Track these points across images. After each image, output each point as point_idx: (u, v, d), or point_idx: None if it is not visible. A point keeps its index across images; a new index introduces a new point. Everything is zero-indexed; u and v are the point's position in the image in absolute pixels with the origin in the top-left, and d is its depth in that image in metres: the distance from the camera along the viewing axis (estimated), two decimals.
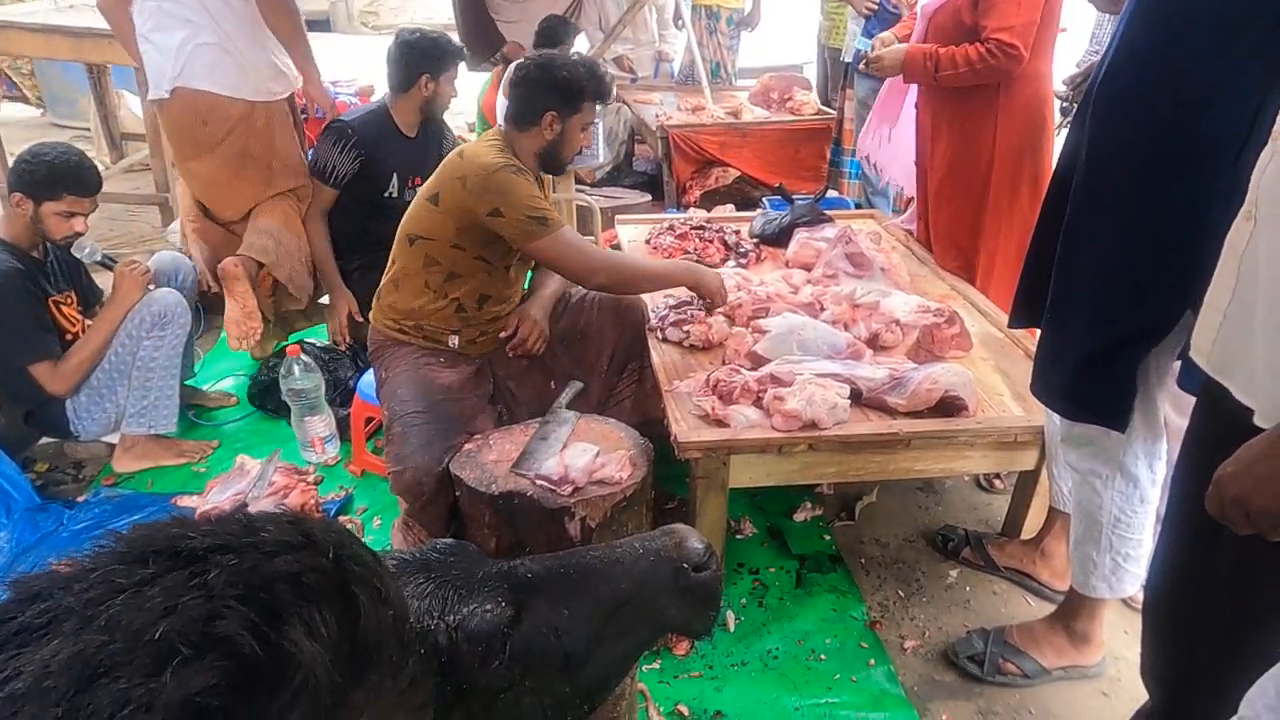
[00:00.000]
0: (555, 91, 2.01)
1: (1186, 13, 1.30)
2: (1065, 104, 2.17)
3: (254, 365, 3.02)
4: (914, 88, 2.77)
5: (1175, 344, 1.47)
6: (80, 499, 2.44)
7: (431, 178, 2.09)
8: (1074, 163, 1.56)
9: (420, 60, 2.77)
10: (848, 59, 4.12)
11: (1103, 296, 1.47)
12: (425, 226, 2.07)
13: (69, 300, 2.46)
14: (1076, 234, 1.51)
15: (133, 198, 4.27)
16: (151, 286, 2.48)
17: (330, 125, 2.82)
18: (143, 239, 4.04)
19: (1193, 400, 1.24)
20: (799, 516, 2.31)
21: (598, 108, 2.12)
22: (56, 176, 2.25)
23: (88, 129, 5.45)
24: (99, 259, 2.48)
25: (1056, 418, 1.69)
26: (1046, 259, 1.65)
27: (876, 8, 3.89)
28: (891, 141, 2.98)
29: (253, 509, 2.08)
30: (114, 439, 2.57)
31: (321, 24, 11.71)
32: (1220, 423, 1.08)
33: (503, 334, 2.19)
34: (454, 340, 2.14)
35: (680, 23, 5.54)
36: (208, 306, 3.17)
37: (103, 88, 4.70)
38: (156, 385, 2.46)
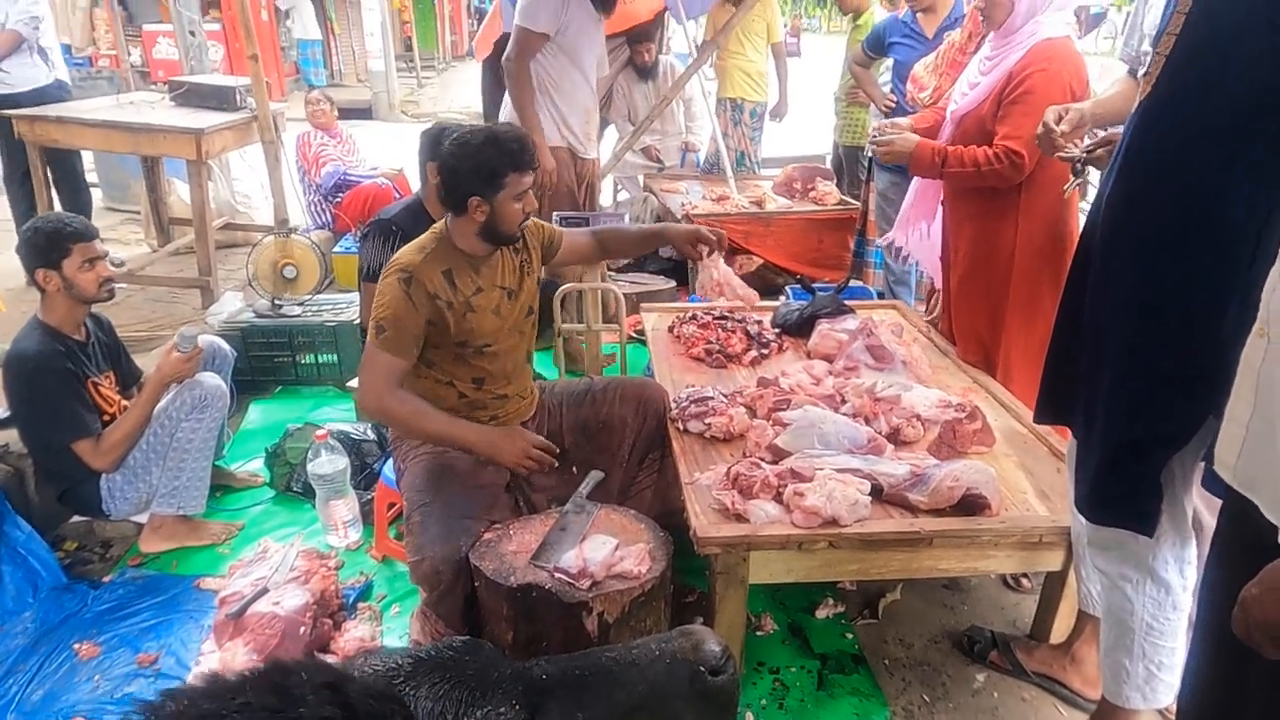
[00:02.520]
0: (472, 176, 2.01)
1: (1189, 127, 1.34)
2: (1077, 166, 2.24)
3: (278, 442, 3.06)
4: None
5: (1200, 446, 1.45)
6: (106, 579, 2.47)
7: None
8: (1088, 262, 1.58)
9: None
10: (870, 154, 4.23)
11: (1124, 400, 1.48)
12: None
13: (108, 381, 2.54)
14: (1095, 336, 1.53)
15: (176, 280, 4.44)
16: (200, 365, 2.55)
17: (373, 225, 2.82)
18: (184, 320, 4.17)
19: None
20: (821, 613, 2.27)
21: (528, 176, 2.05)
22: (55, 236, 2.34)
23: (138, 212, 5.71)
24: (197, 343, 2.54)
25: (1083, 519, 1.67)
26: (1065, 355, 1.66)
27: (894, 104, 4.03)
28: (930, 237, 3.03)
29: (273, 593, 2.10)
30: (143, 518, 2.61)
31: (364, 112, 12.26)
32: (1248, 533, 1.07)
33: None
34: None
35: (693, 127, 5.77)
36: (240, 387, 3.26)
37: (155, 175, 4.95)
38: (190, 467, 2.51)
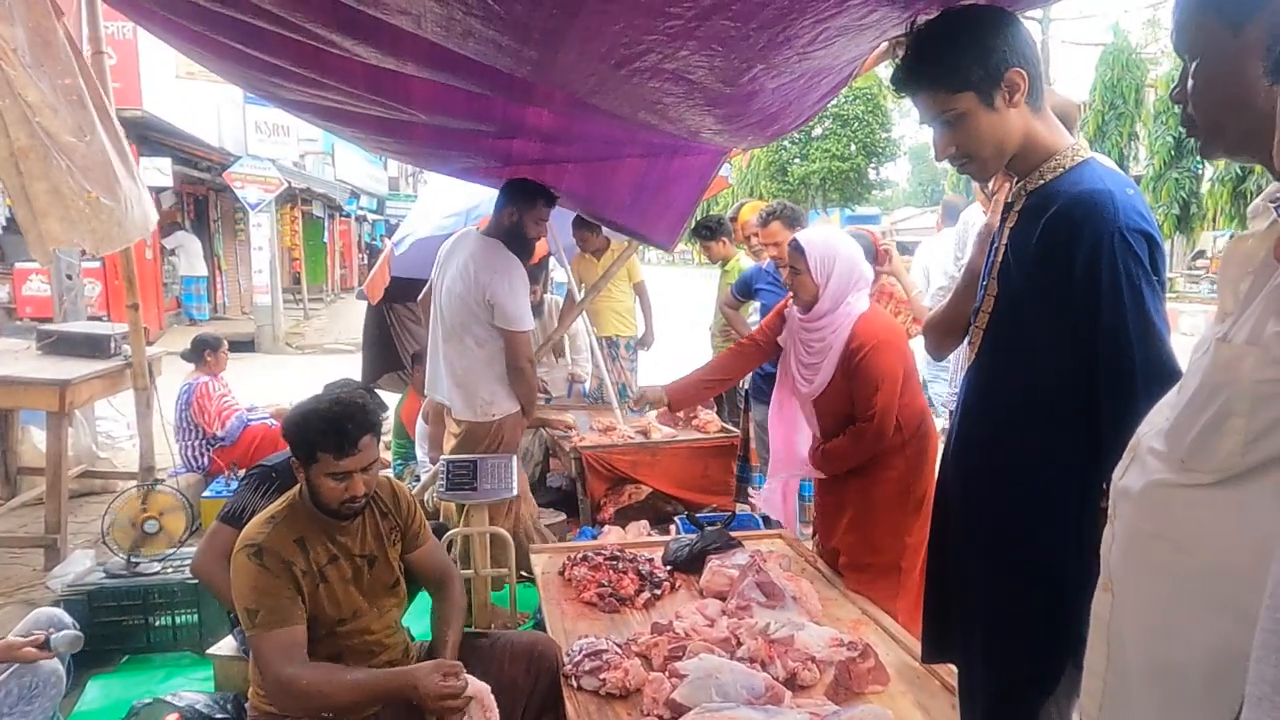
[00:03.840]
0: (290, 441, 2.01)
1: (1005, 397, 1.53)
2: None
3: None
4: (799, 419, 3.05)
5: (1072, 688, 1.51)
6: None
7: None
8: (944, 511, 1.71)
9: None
10: (746, 387, 4.52)
11: (994, 644, 1.54)
12: None
13: None
14: (962, 584, 1.61)
15: (17, 540, 4.05)
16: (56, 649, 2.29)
17: (253, 470, 2.78)
18: (19, 585, 3.76)
19: None
20: None
21: (348, 459, 1.96)
22: None
23: None
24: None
25: None
26: (939, 596, 1.73)
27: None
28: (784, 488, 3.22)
29: None
30: None
31: (247, 344, 12.17)
32: None
33: None
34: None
35: (577, 359, 6.08)
36: (78, 660, 2.91)
37: (7, 423, 4.66)
38: None
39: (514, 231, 3.48)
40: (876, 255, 3.51)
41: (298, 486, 2.09)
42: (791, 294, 2.83)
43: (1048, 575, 1.44)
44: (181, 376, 5.18)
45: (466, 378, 3.49)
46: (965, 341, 1.68)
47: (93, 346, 4.23)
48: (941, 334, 1.87)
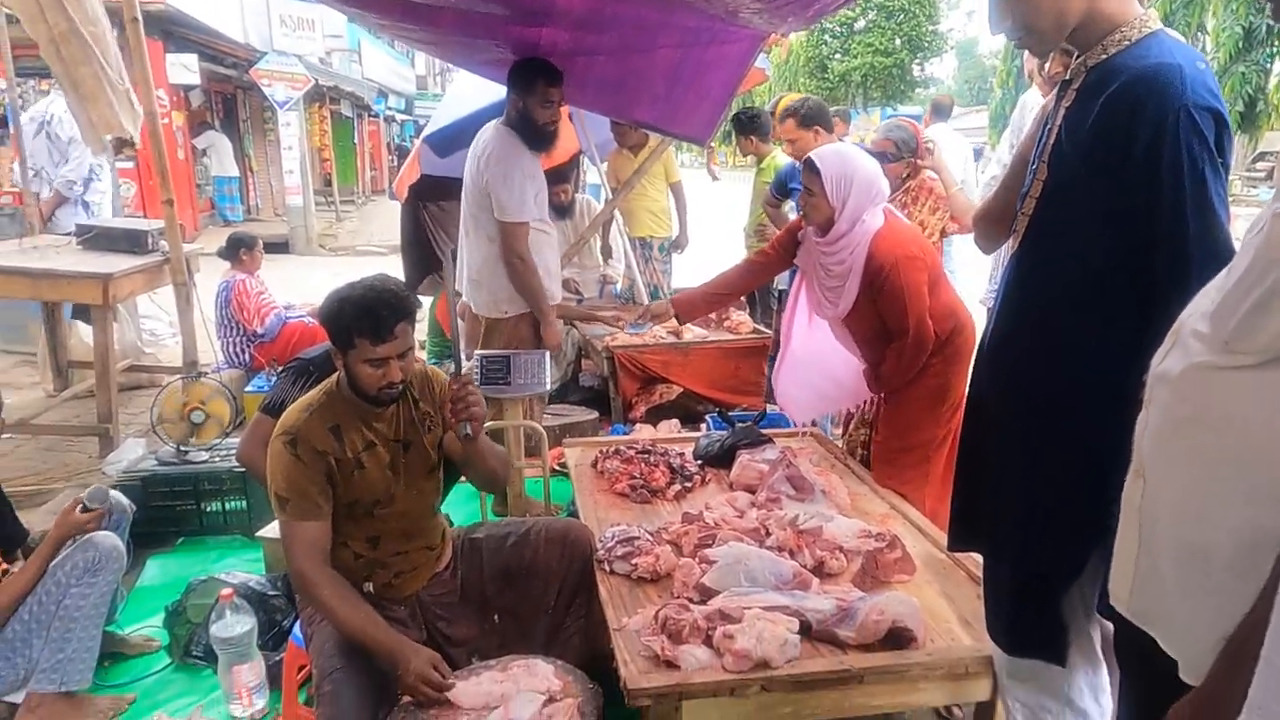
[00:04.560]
0: (328, 329, 2.02)
1: (1050, 283, 1.48)
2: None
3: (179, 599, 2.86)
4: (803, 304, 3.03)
5: (1097, 576, 1.53)
6: None
7: None
8: (980, 400, 1.69)
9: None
10: (781, 287, 4.46)
11: (1022, 533, 1.55)
12: None
13: None
14: (994, 473, 1.61)
15: (72, 428, 4.21)
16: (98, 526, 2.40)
17: (291, 363, 2.84)
18: (77, 471, 3.94)
19: None
20: None
21: (384, 346, 1.96)
22: None
23: (34, 354, 5.46)
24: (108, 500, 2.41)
25: (1000, 650, 1.70)
26: (969, 485, 1.74)
27: None
28: (791, 366, 3.13)
29: None
30: (17, 698, 2.37)
31: (281, 246, 12.24)
32: (1150, 665, 1.11)
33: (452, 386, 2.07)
34: (369, 586, 2.10)
35: (611, 260, 6.00)
36: (138, 541, 3.07)
37: (55, 318, 4.78)
38: (77, 637, 2.31)
39: (523, 118, 3.34)
40: (917, 148, 3.38)
41: (335, 375, 2.13)
42: (804, 215, 2.74)
43: (1081, 464, 1.43)
44: (219, 275, 5.25)
45: (480, 274, 3.46)
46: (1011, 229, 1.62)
47: (131, 242, 4.28)
48: (990, 224, 1.81)
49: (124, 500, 2.65)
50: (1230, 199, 1.40)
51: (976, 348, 1.76)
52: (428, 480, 2.21)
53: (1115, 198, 1.36)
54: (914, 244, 2.63)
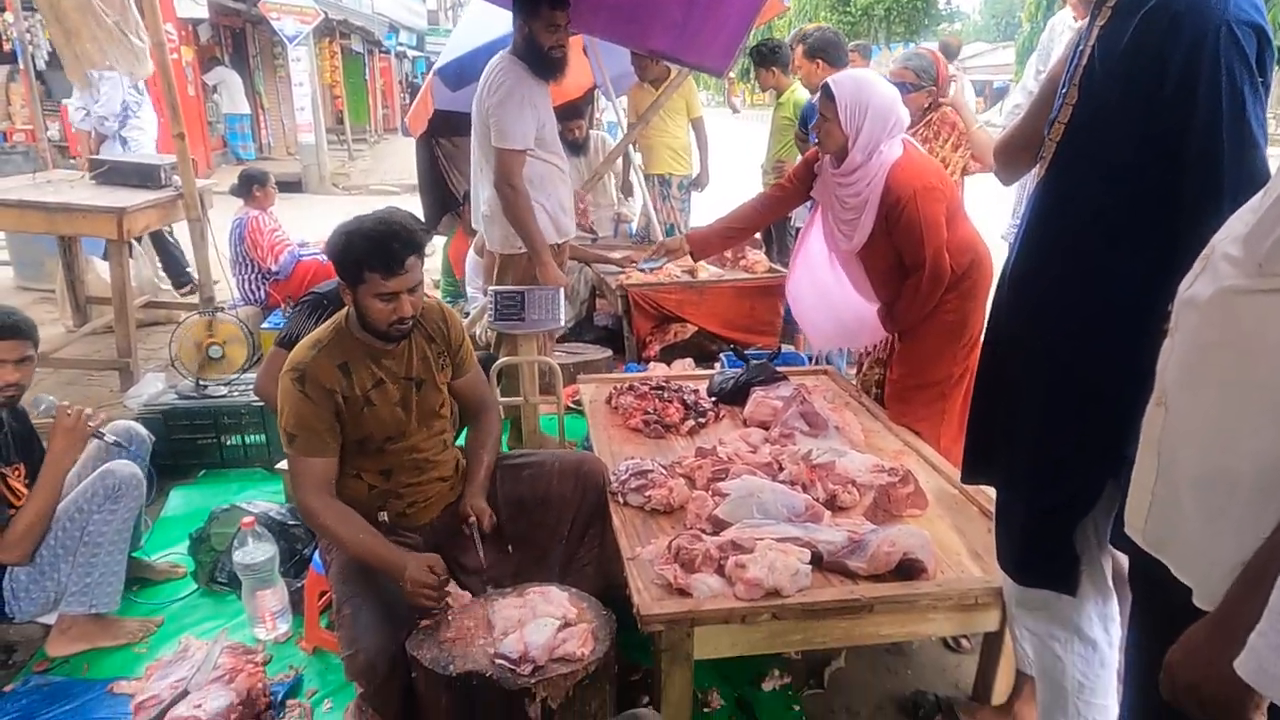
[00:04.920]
0: (336, 263, 1.99)
1: (1078, 210, 1.44)
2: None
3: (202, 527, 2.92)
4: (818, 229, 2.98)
5: (1110, 507, 1.52)
6: (8, 688, 2.29)
7: None
8: (999, 332, 1.67)
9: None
10: (798, 224, 4.39)
11: (1036, 464, 1.54)
12: None
13: (17, 474, 2.40)
14: (1009, 404, 1.60)
15: (93, 363, 4.26)
16: (109, 437, 2.44)
17: (305, 297, 2.84)
18: (100, 405, 3.99)
19: None
20: (767, 685, 2.25)
21: (395, 280, 1.94)
22: None
23: (53, 291, 5.50)
24: (53, 414, 2.43)
25: (1010, 580, 1.71)
26: (985, 418, 1.73)
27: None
28: (817, 294, 3.10)
29: (194, 695, 1.98)
30: (50, 619, 2.45)
31: (294, 185, 12.18)
32: (1163, 593, 1.11)
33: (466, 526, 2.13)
34: (383, 515, 2.13)
35: (629, 198, 5.90)
36: (161, 472, 3.13)
37: (72, 254, 4.80)
38: (103, 561, 2.38)
39: (529, 44, 3.23)
40: (938, 77, 3.26)
41: (344, 310, 2.12)
42: (818, 142, 2.67)
43: (1103, 393, 1.42)
44: (233, 213, 5.23)
45: (492, 208, 3.41)
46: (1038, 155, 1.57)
47: (144, 176, 4.26)
48: (1014, 152, 1.75)
49: (143, 432, 2.69)
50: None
51: (996, 281, 1.72)
52: (439, 418, 2.22)
53: (1149, 120, 1.32)
54: (932, 175, 2.57)
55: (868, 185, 2.54)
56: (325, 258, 5.27)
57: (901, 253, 2.58)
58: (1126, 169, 1.36)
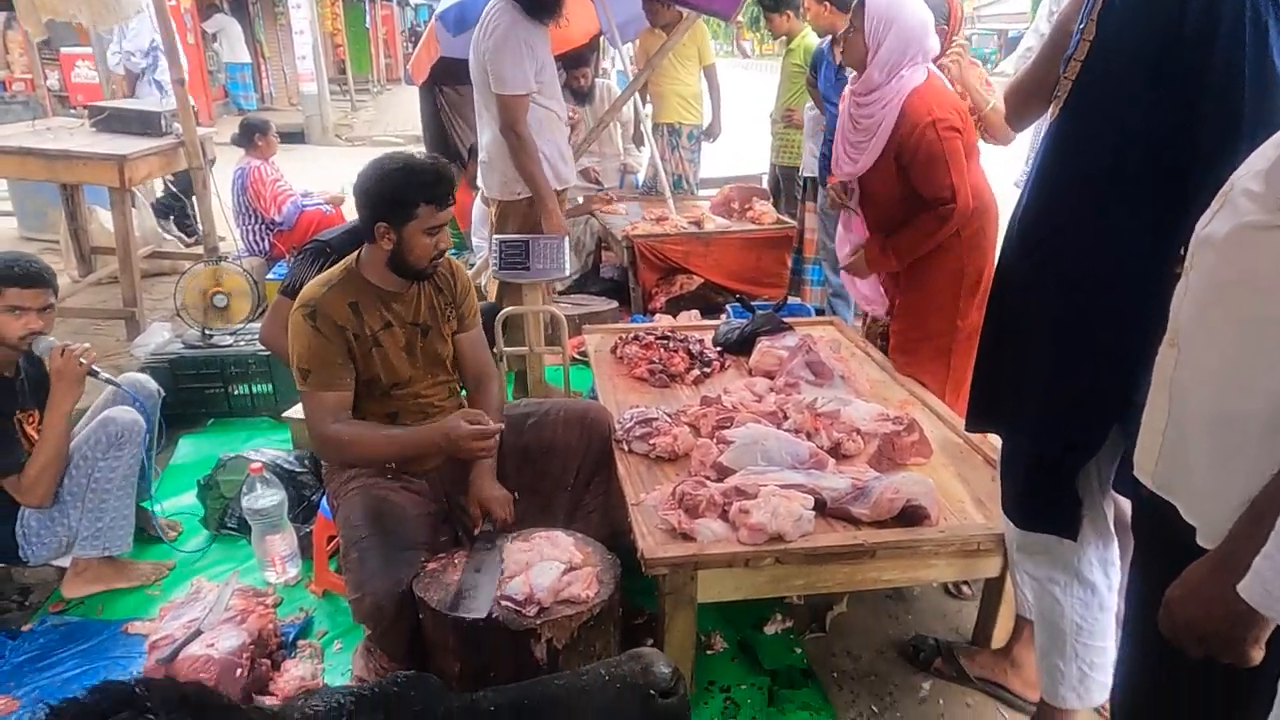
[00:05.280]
0: (381, 203, 1.98)
1: (1089, 155, 1.41)
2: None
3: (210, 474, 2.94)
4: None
5: (1114, 451, 1.52)
6: (25, 628, 2.34)
7: None
8: (1008, 276, 1.65)
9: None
10: (807, 174, 4.32)
11: (1041, 410, 1.54)
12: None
13: (32, 419, 2.42)
14: (1014, 351, 1.59)
15: (99, 312, 4.26)
16: (104, 375, 2.45)
17: (308, 245, 2.84)
18: (107, 354, 4.01)
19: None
20: (770, 629, 2.29)
21: (444, 211, 2.01)
22: None
23: (57, 241, 5.49)
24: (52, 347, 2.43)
25: (1012, 526, 1.72)
26: (991, 366, 1.72)
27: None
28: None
29: (207, 635, 2.02)
30: (64, 562, 2.49)
31: (297, 136, 12.05)
32: (1168, 535, 1.12)
33: (475, 531, 2.06)
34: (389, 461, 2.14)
35: (642, 147, 5.81)
36: (169, 421, 3.15)
37: (75, 203, 4.77)
38: (113, 506, 2.40)
39: None
40: (950, 15, 3.13)
41: (354, 254, 2.11)
42: (841, 51, 2.60)
43: (1109, 341, 1.40)
44: (235, 163, 5.18)
45: (489, 154, 3.37)
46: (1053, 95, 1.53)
47: (145, 123, 4.21)
48: (1025, 96, 1.71)
49: (152, 385, 2.70)
50: None
51: (1006, 227, 1.69)
52: (442, 368, 2.23)
53: (1167, 57, 1.28)
54: (952, 109, 2.48)
55: (883, 108, 2.47)
56: (328, 208, 5.29)
57: (919, 186, 2.49)
58: (1141, 111, 1.32)
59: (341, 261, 2.13)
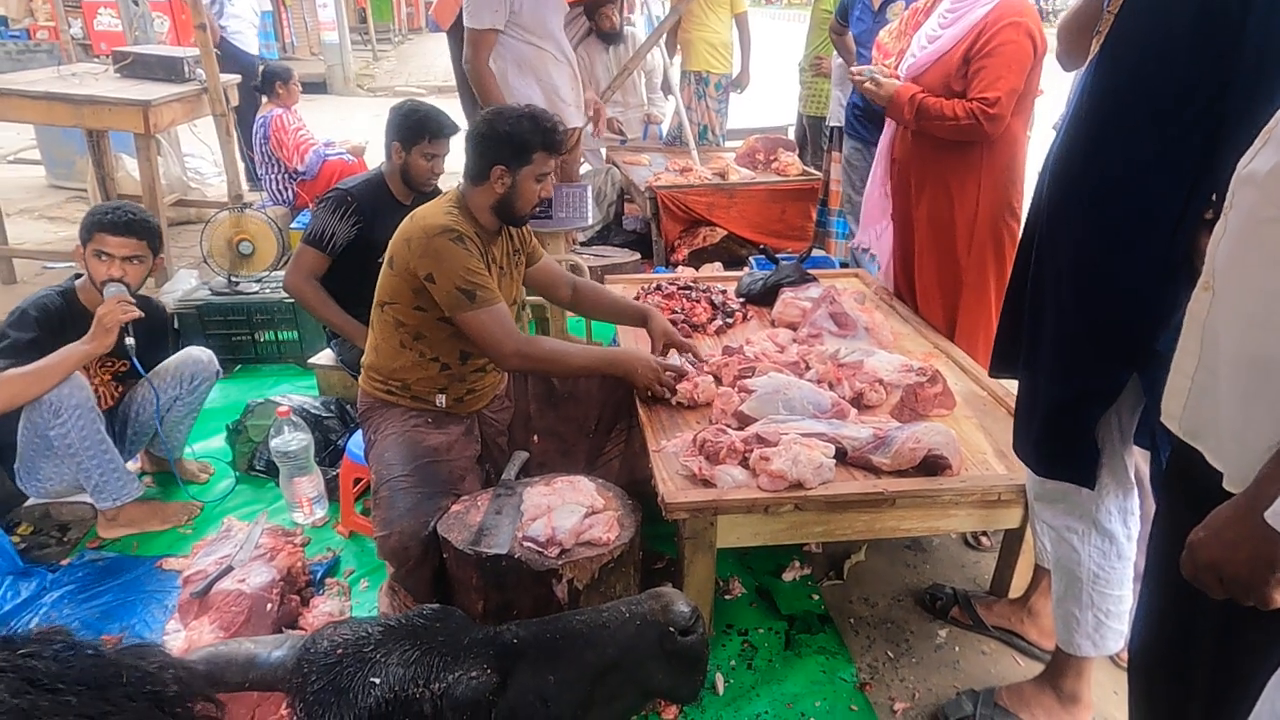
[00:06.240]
0: (503, 146, 2.04)
1: (1125, 94, 1.37)
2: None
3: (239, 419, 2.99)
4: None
5: (1136, 402, 1.51)
6: (64, 562, 2.42)
7: (391, 240, 2.12)
8: (1038, 218, 1.62)
9: (393, 130, 2.81)
10: (834, 123, 4.24)
11: (1060, 357, 1.52)
12: (387, 291, 2.11)
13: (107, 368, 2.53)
14: (1037, 297, 1.57)
15: None
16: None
17: (329, 193, 2.84)
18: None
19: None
20: (788, 576, 2.31)
21: (554, 160, 2.11)
22: (91, 222, 2.38)
23: (84, 190, 5.53)
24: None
25: (1031, 474, 1.71)
26: (1017, 310, 1.70)
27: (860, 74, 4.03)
28: (884, 237, 3.05)
29: (238, 571, 2.08)
30: (83, 497, 2.54)
31: (319, 86, 11.98)
32: (1192, 481, 1.11)
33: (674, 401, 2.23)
34: (441, 399, 2.16)
35: (670, 95, 5.70)
36: None
37: (101, 150, 4.79)
38: (92, 464, 2.38)
39: None
40: None
41: (454, 190, 2.15)
42: None
43: (1132, 285, 1.38)
44: (258, 113, 5.16)
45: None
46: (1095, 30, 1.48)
47: (168, 69, 4.20)
48: (1074, 34, 1.64)
49: (211, 365, 2.79)
50: None
51: (1041, 166, 1.65)
52: (514, 308, 2.26)
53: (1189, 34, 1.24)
54: (1038, 27, 2.41)
55: (976, 4, 2.41)
56: (351, 158, 5.27)
57: (973, 81, 2.41)
58: (1182, 50, 1.27)
59: (447, 194, 2.17)
